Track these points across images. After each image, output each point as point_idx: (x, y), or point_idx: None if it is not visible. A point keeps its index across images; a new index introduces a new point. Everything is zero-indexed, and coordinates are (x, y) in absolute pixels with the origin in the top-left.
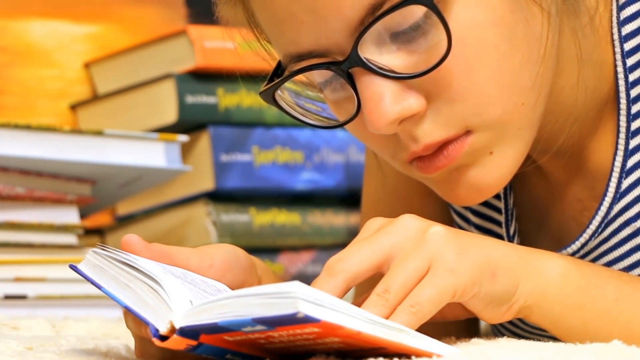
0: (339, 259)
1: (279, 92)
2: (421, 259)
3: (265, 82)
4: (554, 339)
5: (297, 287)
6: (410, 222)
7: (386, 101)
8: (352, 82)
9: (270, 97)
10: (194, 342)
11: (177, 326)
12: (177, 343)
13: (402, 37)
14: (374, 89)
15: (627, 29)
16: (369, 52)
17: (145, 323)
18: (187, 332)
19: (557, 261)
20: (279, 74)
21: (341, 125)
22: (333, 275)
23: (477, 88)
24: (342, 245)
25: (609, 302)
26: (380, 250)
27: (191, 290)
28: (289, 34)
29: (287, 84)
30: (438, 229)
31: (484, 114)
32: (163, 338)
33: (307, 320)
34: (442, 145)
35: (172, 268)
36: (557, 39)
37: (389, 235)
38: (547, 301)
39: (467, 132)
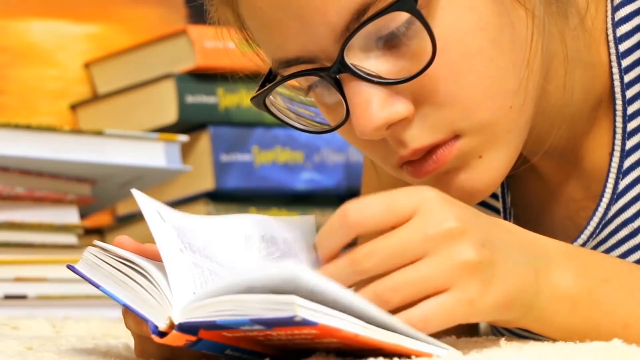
0: (369, 253)
1: (271, 97)
2: (440, 274)
3: (257, 88)
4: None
5: (295, 277)
6: (439, 214)
7: (373, 107)
8: (340, 87)
9: (261, 103)
10: (193, 338)
11: (176, 322)
12: (177, 339)
13: (388, 43)
14: (361, 95)
15: (622, 30)
16: (356, 57)
17: (144, 320)
18: (186, 327)
19: (570, 285)
20: (271, 79)
21: (332, 130)
22: (358, 274)
23: (464, 92)
24: None
25: (617, 330)
26: (411, 253)
27: (202, 271)
28: (276, 40)
29: (280, 89)
30: (466, 248)
31: (472, 118)
32: (162, 334)
33: (305, 323)
34: (431, 150)
35: (192, 239)
36: (545, 41)
37: (417, 234)
38: (550, 328)
39: (456, 137)
